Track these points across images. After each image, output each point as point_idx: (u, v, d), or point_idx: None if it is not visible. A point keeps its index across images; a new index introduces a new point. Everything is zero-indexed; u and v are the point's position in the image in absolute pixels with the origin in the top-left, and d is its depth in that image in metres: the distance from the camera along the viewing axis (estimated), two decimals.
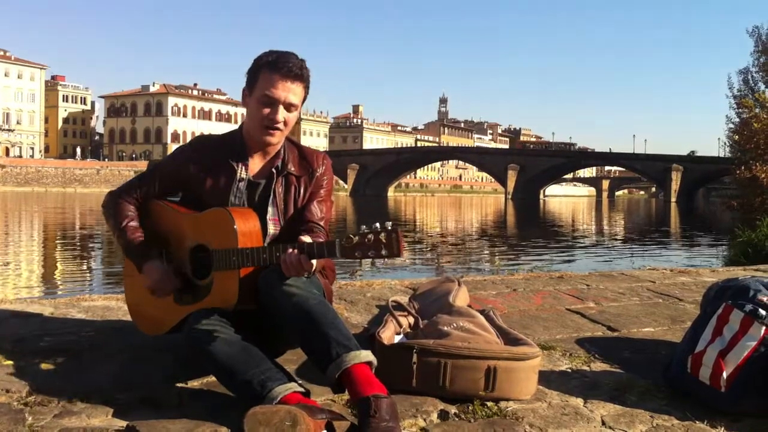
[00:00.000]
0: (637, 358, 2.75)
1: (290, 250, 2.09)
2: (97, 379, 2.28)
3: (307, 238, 2.13)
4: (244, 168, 2.39)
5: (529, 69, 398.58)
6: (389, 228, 1.98)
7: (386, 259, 2.00)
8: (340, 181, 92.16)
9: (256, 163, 2.42)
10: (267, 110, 2.30)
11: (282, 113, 2.30)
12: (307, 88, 2.35)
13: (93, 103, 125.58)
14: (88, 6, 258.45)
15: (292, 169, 2.42)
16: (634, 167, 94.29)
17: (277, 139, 2.36)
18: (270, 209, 2.38)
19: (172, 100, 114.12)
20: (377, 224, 2.00)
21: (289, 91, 2.29)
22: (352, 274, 11.37)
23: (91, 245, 19.53)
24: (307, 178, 2.44)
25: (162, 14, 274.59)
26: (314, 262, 2.11)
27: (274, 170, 2.41)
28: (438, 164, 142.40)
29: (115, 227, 2.45)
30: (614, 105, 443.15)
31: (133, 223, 2.44)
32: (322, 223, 2.40)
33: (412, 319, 2.63)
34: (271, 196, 2.40)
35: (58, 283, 12.01)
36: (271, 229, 2.37)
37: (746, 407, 2.13)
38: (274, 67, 2.28)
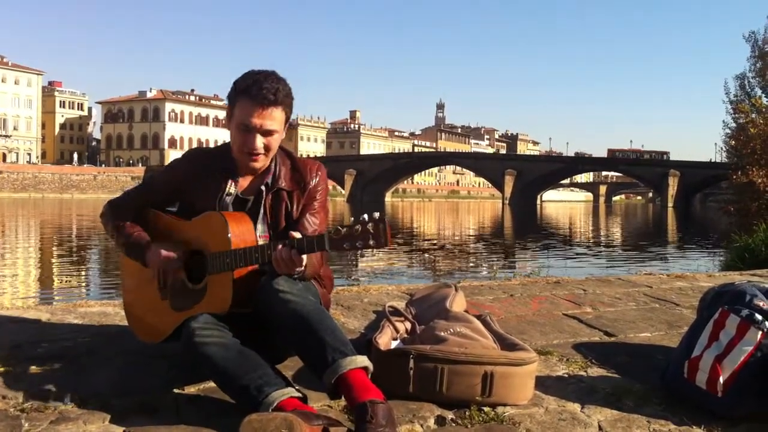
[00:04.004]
0: (634, 363, 2.74)
1: (280, 246, 2.10)
2: (93, 385, 2.27)
3: (297, 234, 2.14)
4: (233, 184, 2.39)
5: (527, 75, 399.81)
6: (377, 218, 1.99)
7: (374, 249, 2.01)
8: (338, 187, 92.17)
9: (246, 178, 2.42)
10: (244, 137, 2.30)
11: (260, 140, 2.30)
12: (287, 109, 2.34)
13: (90, 109, 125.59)
14: (85, 12, 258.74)
15: (283, 184, 2.41)
16: (632, 172, 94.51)
17: (261, 164, 2.37)
18: (259, 226, 2.39)
19: (169, 106, 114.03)
20: (365, 215, 2.01)
21: (264, 117, 2.27)
22: (349, 279, 11.38)
23: (87, 251, 19.50)
24: (300, 191, 2.43)
25: (159, 20, 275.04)
26: (305, 257, 2.12)
27: (263, 187, 2.40)
28: (435, 170, 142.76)
29: (114, 228, 2.48)
30: (611, 110, 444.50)
31: (131, 223, 2.47)
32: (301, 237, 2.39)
33: (408, 325, 2.63)
34: (261, 213, 2.40)
35: (55, 290, 11.99)
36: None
37: (743, 412, 2.13)
38: (248, 94, 2.27)
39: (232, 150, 2.39)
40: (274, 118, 2.30)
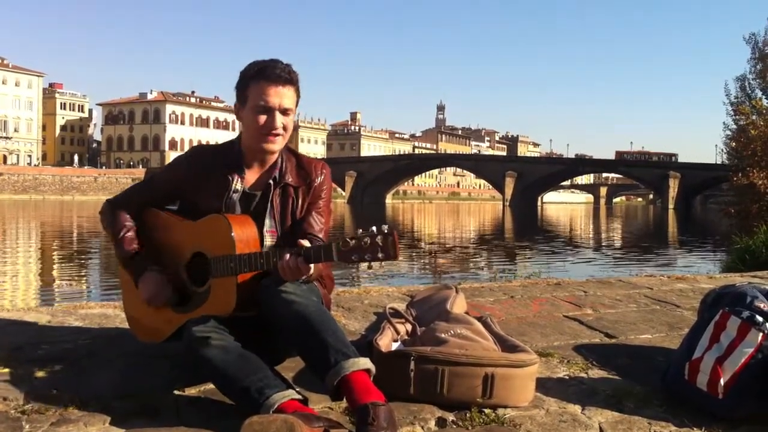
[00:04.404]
0: (635, 364, 2.74)
1: (287, 255, 2.10)
2: (94, 386, 2.27)
3: (305, 242, 2.14)
4: (239, 179, 2.38)
5: (527, 76, 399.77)
6: (385, 231, 1.99)
7: (382, 262, 2.00)
8: (338, 188, 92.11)
9: (252, 174, 2.42)
10: (264, 118, 2.30)
11: (279, 119, 2.30)
12: (298, 91, 2.36)
13: (91, 111, 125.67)
14: (85, 14, 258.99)
15: (290, 179, 2.41)
16: (632, 174, 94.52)
17: (279, 146, 2.36)
18: (267, 221, 2.38)
19: (169, 108, 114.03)
20: (374, 227, 2.00)
21: (282, 96, 2.29)
22: (349, 280, 11.37)
23: (88, 253, 19.51)
24: (305, 188, 2.43)
25: (160, 22, 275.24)
26: (312, 266, 2.12)
27: (271, 182, 2.40)
28: (436, 171, 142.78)
29: (113, 237, 2.48)
30: (612, 112, 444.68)
31: (130, 234, 2.46)
32: (321, 235, 2.39)
33: (409, 326, 2.63)
34: (268, 208, 2.39)
35: (56, 291, 11.99)
36: (268, 241, 2.36)
37: (744, 414, 2.13)
38: (263, 76, 2.29)
39: (246, 139, 2.39)
40: (289, 97, 2.32)
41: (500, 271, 12.69)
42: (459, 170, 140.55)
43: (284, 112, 2.32)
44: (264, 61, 2.34)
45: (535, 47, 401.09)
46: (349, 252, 2.01)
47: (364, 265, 2.02)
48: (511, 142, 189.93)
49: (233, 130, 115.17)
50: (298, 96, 2.37)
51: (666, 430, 2.09)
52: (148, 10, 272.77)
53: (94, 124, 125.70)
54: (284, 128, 2.33)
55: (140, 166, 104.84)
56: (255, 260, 2.18)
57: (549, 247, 24.29)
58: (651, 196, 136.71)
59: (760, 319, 2.18)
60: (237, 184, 2.38)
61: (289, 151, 2.48)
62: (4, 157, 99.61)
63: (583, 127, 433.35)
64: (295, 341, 2.15)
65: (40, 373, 2.40)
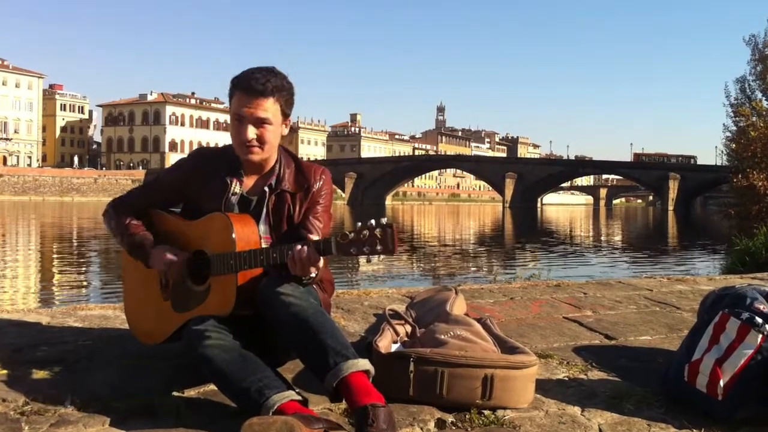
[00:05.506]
0: (635, 366, 2.75)
1: (299, 246, 2.10)
2: (93, 388, 2.27)
3: (314, 236, 2.15)
4: (237, 183, 2.39)
5: (527, 78, 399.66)
6: (384, 224, 1.99)
7: (381, 256, 2.00)
8: (338, 190, 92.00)
9: (251, 179, 2.42)
10: (238, 128, 2.30)
11: (251, 131, 2.28)
12: (281, 101, 2.31)
13: (91, 112, 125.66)
14: (86, 15, 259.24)
15: (287, 186, 2.41)
16: (632, 176, 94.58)
17: (258, 157, 2.35)
18: (262, 227, 2.38)
19: (169, 109, 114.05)
20: (372, 221, 2.01)
21: (255, 107, 2.27)
22: (349, 282, 11.38)
23: (88, 255, 19.51)
24: (303, 194, 2.42)
25: (160, 23, 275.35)
26: (321, 259, 2.12)
27: (266, 188, 2.40)
28: (436, 173, 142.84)
29: (117, 228, 2.47)
30: (612, 114, 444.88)
31: (136, 222, 2.46)
32: (318, 239, 2.39)
33: (409, 328, 2.63)
34: (263, 215, 2.39)
35: (56, 293, 11.99)
36: (264, 246, 2.36)
37: (743, 415, 2.13)
38: (239, 86, 2.29)
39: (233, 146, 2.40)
40: (265, 109, 2.28)
41: (500, 273, 12.69)
42: (459, 172, 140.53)
43: (258, 123, 2.29)
44: (249, 70, 2.32)
45: (535, 48, 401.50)
46: (348, 245, 2.01)
47: (363, 260, 2.02)
48: (511, 143, 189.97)
49: None
50: (282, 104, 2.33)
51: None
52: (148, 11, 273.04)
53: (94, 126, 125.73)
54: (260, 140, 2.31)
55: (140, 167, 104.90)
56: (255, 257, 2.17)
57: (549, 248, 24.29)
58: (651, 198, 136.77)
59: (759, 320, 2.18)
60: (236, 188, 2.38)
61: (288, 156, 2.48)
62: (4, 159, 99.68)
63: (584, 129, 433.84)
64: (294, 343, 2.14)
65: (39, 374, 2.40)
